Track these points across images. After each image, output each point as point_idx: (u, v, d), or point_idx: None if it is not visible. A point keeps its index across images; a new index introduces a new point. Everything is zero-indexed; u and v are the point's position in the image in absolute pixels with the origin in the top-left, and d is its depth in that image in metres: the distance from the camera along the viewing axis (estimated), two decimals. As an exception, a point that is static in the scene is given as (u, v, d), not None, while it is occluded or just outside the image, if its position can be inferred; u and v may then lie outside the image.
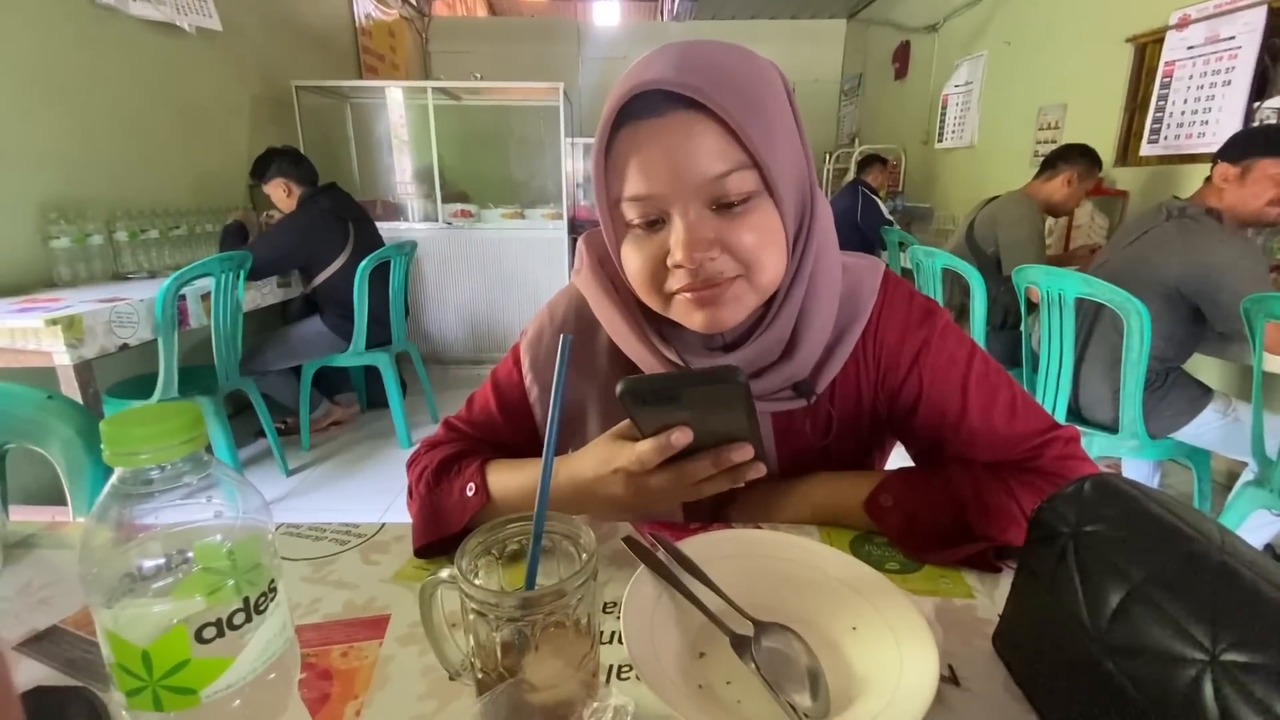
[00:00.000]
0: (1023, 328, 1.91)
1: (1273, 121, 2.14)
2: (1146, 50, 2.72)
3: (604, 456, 0.51)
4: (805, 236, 0.54)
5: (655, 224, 0.51)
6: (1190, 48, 2.43)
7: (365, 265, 2.42)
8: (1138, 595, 0.32)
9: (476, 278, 3.58)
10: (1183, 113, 2.47)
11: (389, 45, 4.78)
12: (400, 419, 2.65)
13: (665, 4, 5.96)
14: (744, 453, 0.46)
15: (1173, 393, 1.60)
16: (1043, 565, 0.39)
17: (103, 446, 0.27)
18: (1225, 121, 2.29)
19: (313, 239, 2.47)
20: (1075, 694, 0.36)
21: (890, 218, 3.59)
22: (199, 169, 2.82)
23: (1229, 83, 2.29)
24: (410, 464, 0.66)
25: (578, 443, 0.68)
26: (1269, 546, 1.63)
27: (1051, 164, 2.29)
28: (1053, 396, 1.70)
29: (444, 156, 3.59)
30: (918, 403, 0.62)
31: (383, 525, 0.62)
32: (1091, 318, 1.67)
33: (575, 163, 4.28)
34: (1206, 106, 2.37)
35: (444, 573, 0.37)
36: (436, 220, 3.56)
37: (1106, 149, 2.82)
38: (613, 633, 0.46)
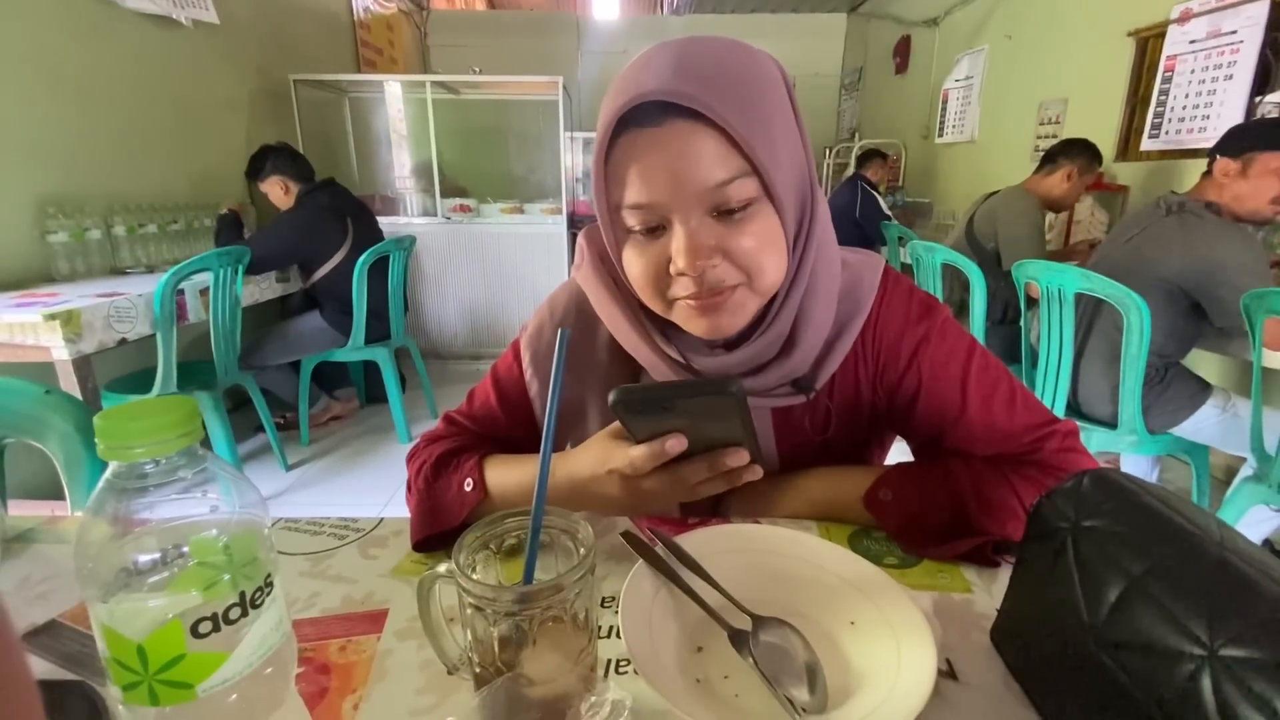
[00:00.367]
0: (1022, 323, 1.90)
1: (1274, 115, 2.13)
2: (1148, 44, 2.71)
3: (599, 456, 0.51)
4: (805, 236, 0.54)
5: (656, 230, 0.51)
6: (1192, 42, 2.42)
7: (364, 260, 2.41)
8: (1136, 590, 0.32)
9: (476, 273, 3.57)
10: (1184, 107, 2.46)
11: (387, 39, 4.76)
12: (399, 414, 2.65)
13: (665, -3, 5.94)
14: (739, 458, 0.46)
15: (1172, 388, 1.60)
16: (1041, 560, 0.39)
17: (97, 441, 0.27)
18: (1227, 116, 2.28)
19: (312, 235, 2.46)
20: (1073, 688, 0.36)
21: (890, 213, 3.58)
22: (197, 163, 2.81)
23: (1230, 77, 2.28)
24: (410, 458, 0.66)
25: (577, 438, 0.68)
26: (1267, 541, 1.63)
27: (1052, 159, 2.28)
28: (1052, 392, 1.70)
29: (443, 151, 3.58)
30: (917, 397, 0.61)
31: (381, 520, 0.62)
32: (1091, 313, 1.66)
33: (574, 157, 4.27)
34: (1208, 101, 2.37)
35: (442, 567, 0.37)
36: (435, 215, 3.55)
37: (1107, 144, 2.81)
38: (611, 627, 0.46)
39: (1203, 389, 1.60)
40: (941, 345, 0.61)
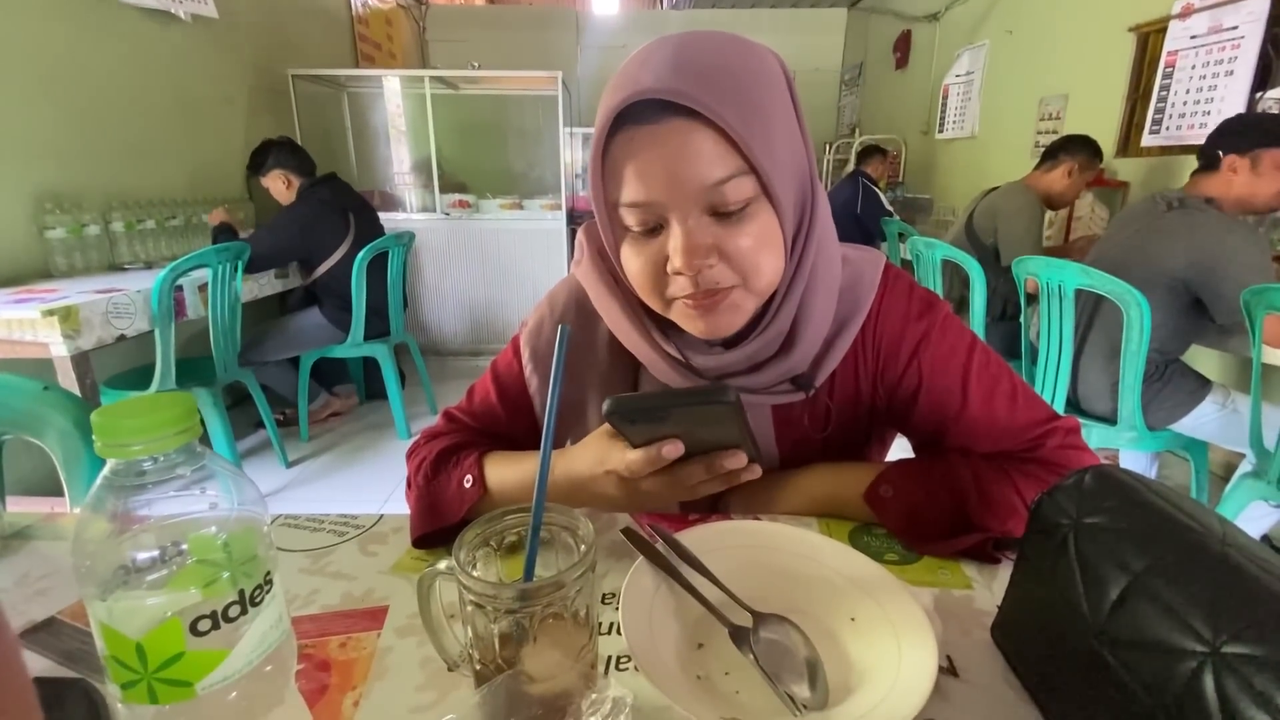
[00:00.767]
0: (1022, 319, 1.90)
1: (1275, 111, 2.13)
2: (1149, 40, 2.70)
3: (597, 456, 0.51)
4: (805, 234, 0.54)
5: (653, 229, 0.51)
6: (1193, 37, 2.42)
7: (363, 256, 2.41)
8: (1138, 587, 0.32)
9: (475, 269, 3.57)
10: (1185, 103, 2.46)
11: (386, 34, 4.74)
12: (399, 410, 2.65)
13: (665, -8, 5.91)
14: (737, 460, 0.46)
15: (1171, 384, 1.60)
16: (1042, 556, 0.39)
17: (94, 438, 0.26)
18: (1228, 112, 2.28)
19: (314, 230, 2.45)
20: (1074, 685, 0.36)
21: (890, 209, 3.58)
22: (195, 159, 2.80)
23: (1232, 73, 2.27)
24: (410, 454, 0.66)
25: (577, 434, 0.68)
26: (1266, 537, 1.64)
27: (1052, 155, 2.28)
28: (1051, 388, 1.70)
29: (442, 146, 3.57)
30: (917, 394, 0.61)
31: (381, 516, 0.62)
32: (1091, 309, 1.66)
33: (574, 153, 4.25)
34: (1209, 97, 2.36)
35: (442, 564, 0.37)
36: (434, 211, 3.54)
37: (1108, 139, 2.80)
38: (611, 624, 0.46)
39: (1202, 385, 1.60)
40: (942, 342, 0.60)
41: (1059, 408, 1.69)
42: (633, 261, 0.53)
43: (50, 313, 1.56)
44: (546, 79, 3.53)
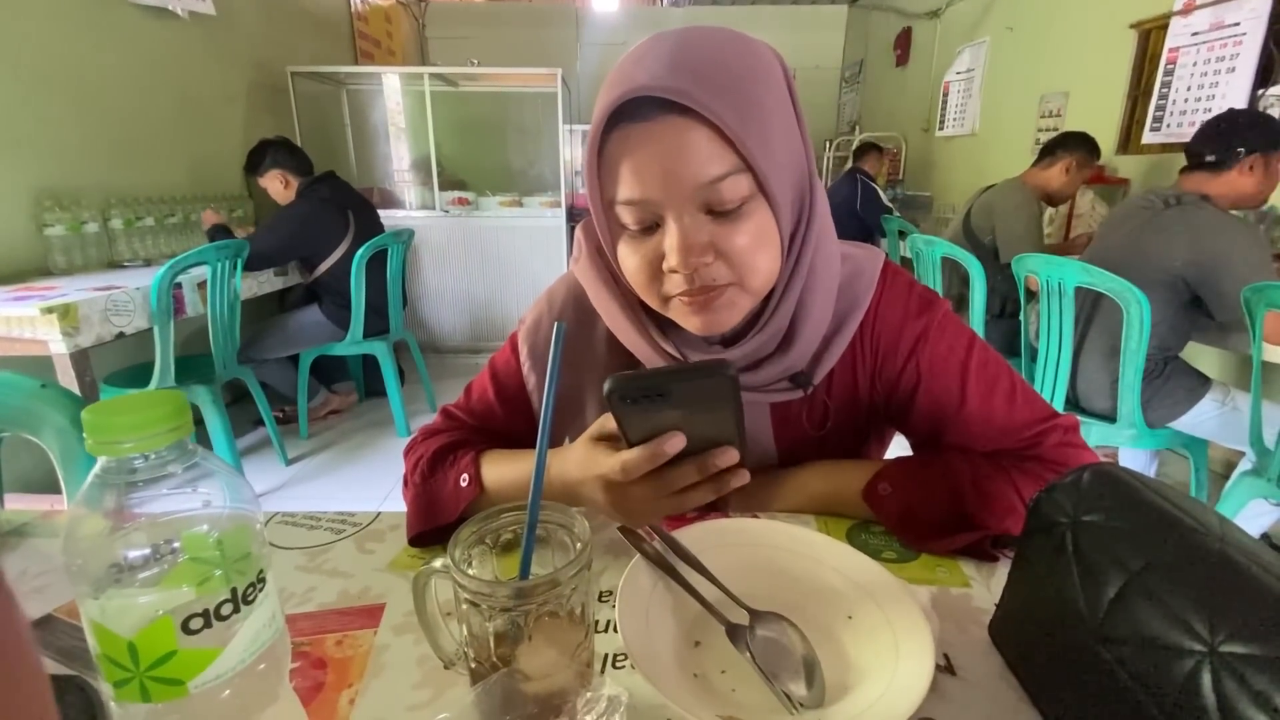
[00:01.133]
0: (1021, 317, 1.90)
1: (1273, 109, 2.12)
2: (1150, 36, 2.70)
3: (583, 461, 0.49)
4: (803, 232, 0.53)
5: (650, 227, 0.50)
6: (1195, 34, 2.41)
7: (362, 254, 2.41)
8: (1136, 585, 0.32)
9: (474, 266, 3.57)
10: (1186, 100, 2.45)
11: (385, 30, 4.73)
12: (398, 408, 2.65)
13: (665, -11, 5.89)
14: (729, 457, 0.44)
15: (1171, 382, 1.60)
16: (1040, 554, 0.39)
17: (85, 436, 0.26)
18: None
19: (315, 228, 2.45)
20: (1071, 684, 0.35)
21: (889, 205, 3.57)
22: (194, 156, 2.80)
23: (1233, 70, 2.27)
24: (407, 452, 0.66)
25: (575, 431, 0.68)
26: (1265, 536, 1.64)
27: (1050, 151, 2.28)
28: (1051, 386, 1.70)
29: (441, 144, 3.57)
30: (916, 392, 0.61)
31: (378, 514, 0.62)
32: (1090, 307, 1.66)
33: (574, 150, 4.25)
34: (1210, 94, 2.35)
35: (437, 562, 0.37)
36: (434, 208, 3.54)
37: (1108, 137, 2.80)
38: (608, 622, 0.46)
39: (1202, 383, 1.60)
40: (941, 340, 0.60)
41: (1058, 405, 1.69)
42: (629, 259, 0.53)
43: (49, 310, 1.56)
44: (546, 76, 3.53)
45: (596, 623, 0.46)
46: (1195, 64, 2.41)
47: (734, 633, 0.42)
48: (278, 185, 2.51)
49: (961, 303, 2.13)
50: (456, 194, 3.59)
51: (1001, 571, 0.52)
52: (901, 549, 0.56)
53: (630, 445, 0.45)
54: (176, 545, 0.28)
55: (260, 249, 2.27)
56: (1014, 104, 3.52)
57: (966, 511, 0.55)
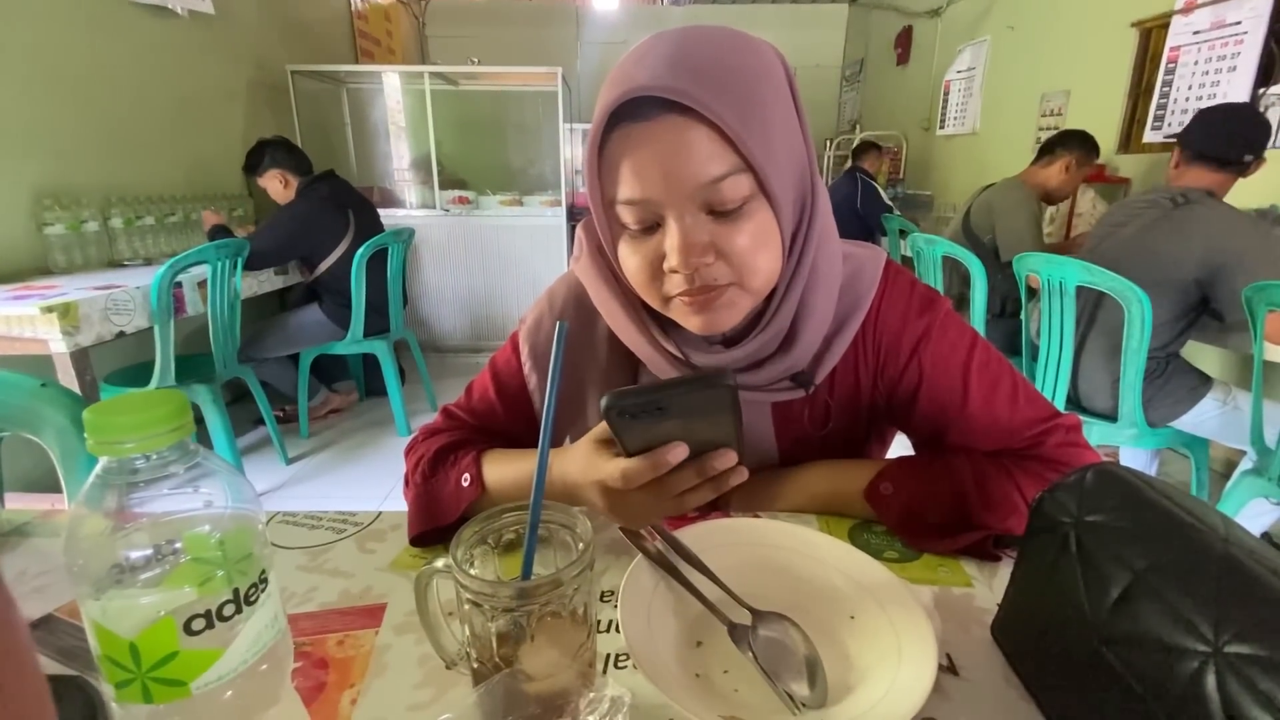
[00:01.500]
0: (1023, 316, 1.90)
1: (1274, 107, 2.12)
2: (1151, 35, 2.69)
3: (583, 466, 0.49)
4: (805, 232, 0.53)
5: (651, 227, 0.50)
6: (1196, 33, 2.41)
7: (362, 253, 2.40)
8: (1140, 585, 0.32)
9: (475, 265, 3.56)
10: (1187, 99, 2.45)
11: (385, 29, 4.72)
12: (399, 407, 2.65)
13: (665, -13, 5.87)
14: (727, 460, 0.44)
15: (1172, 381, 1.60)
16: (1043, 554, 0.39)
17: (86, 436, 0.26)
18: (1230, 108, 2.27)
19: (315, 227, 2.45)
20: (1074, 684, 0.35)
21: (891, 204, 3.57)
22: (194, 155, 2.80)
23: (1234, 69, 2.26)
24: (408, 451, 0.66)
25: (577, 431, 0.68)
26: (1267, 535, 1.64)
27: (1049, 149, 2.27)
28: (1052, 385, 1.70)
29: (441, 143, 3.56)
30: (918, 392, 0.61)
31: (379, 514, 0.62)
32: (1092, 306, 1.66)
33: (574, 149, 4.24)
34: (1211, 93, 2.35)
35: (439, 562, 0.37)
36: (434, 207, 3.54)
37: (1109, 136, 2.80)
38: (610, 622, 0.46)
39: (1203, 382, 1.60)
40: (943, 339, 0.60)
41: (1060, 405, 1.69)
42: (630, 259, 0.52)
43: (49, 309, 1.55)
44: (546, 75, 3.52)
45: (598, 623, 0.46)
46: (1196, 63, 2.41)
47: (736, 633, 0.42)
48: (277, 185, 2.51)
49: (962, 302, 2.13)
50: (457, 193, 3.58)
51: (1004, 571, 0.52)
52: (903, 549, 0.56)
53: (630, 456, 0.44)
54: (178, 545, 0.28)
55: (260, 248, 2.27)
56: (1015, 103, 3.51)
57: (969, 511, 0.55)
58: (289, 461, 2.43)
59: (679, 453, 0.43)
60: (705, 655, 0.42)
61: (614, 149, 0.48)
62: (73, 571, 0.27)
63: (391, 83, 3.87)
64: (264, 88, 3.25)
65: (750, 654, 0.40)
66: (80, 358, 1.65)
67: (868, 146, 3.76)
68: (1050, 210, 2.81)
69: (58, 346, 1.59)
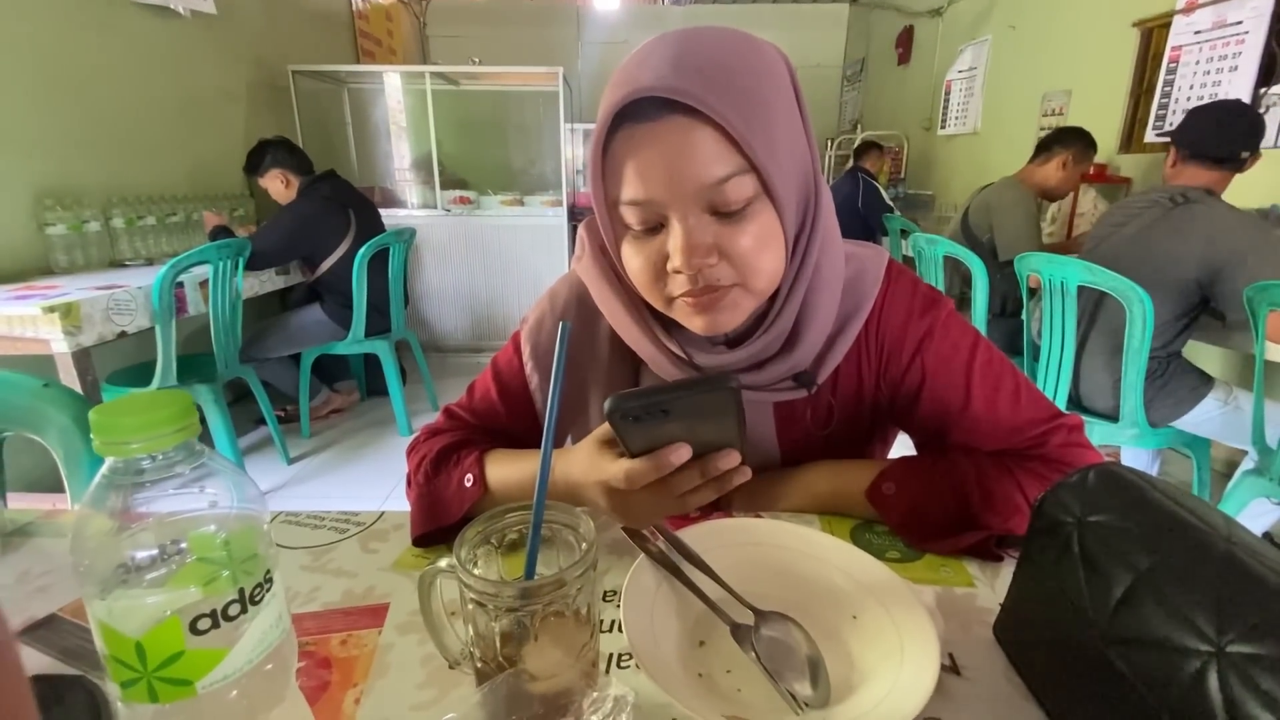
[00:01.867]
0: (1024, 315, 1.90)
1: (1275, 107, 2.12)
2: (1153, 35, 2.69)
3: (587, 466, 0.49)
4: (808, 233, 0.53)
5: (654, 228, 0.50)
6: (1197, 33, 2.41)
7: (364, 253, 2.41)
8: (1143, 585, 0.32)
9: (476, 265, 3.56)
10: (1189, 99, 2.44)
11: (386, 29, 4.73)
12: (400, 407, 2.65)
13: (666, -13, 5.87)
14: (731, 460, 0.44)
15: (1173, 381, 1.60)
16: (1046, 554, 0.39)
17: (92, 436, 0.26)
18: (1232, 108, 2.27)
19: (316, 226, 2.45)
20: (1077, 684, 0.35)
21: (892, 204, 3.57)
22: (196, 155, 2.80)
23: (1236, 68, 2.26)
24: (410, 451, 0.66)
25: (578, 431, 0.68)
26: (1268, 534, 1.63)
27: (1046, 147, 2.27)
28: (1054, 385, 1.70)
29: (442, 143, 3.56)
30: (920, 392, 0.61)
31: (382, 514, 0.62)
32: (1093, 306, 1.66)
33: (575, 149, 4.24)
34: (1213, 93, 2.35)
35: (443, 562, 0.37)
36: (435, 207, 3.54)
37: (1111, 135, 2.79)
38: (613, 622, 0.46)
39: (1204, 382, 1.60)
40: (945, 339, 0.60)
41: (1061, 405, 1.69)
42: (633, 260, 0.52)
43: (51, 309, 1.56)
44: (547, 75, 3.52)
45: (601, 623, 0.46)
46: (1198, 63, 2.40)
47: (739, 632, 0.42)
48: (278, 185, 2.51)
49: (963, 302, 2.13)
50: (458, 193, 3.58)
51: (1006, 571, 0.52)
52: (905, 549, 0.56)
53: (633, 457, 0.44)
54: (184, 545, 0.28)
55: (262, 248, 2.27)
56: (1016, 102, 3.51)
57: (971, 511, 0.55)
58: (290, 461, 2.43)
59: (682, 454, 0.43)
60: (708, 655, 0.43)
61: (618, 150, 0.48)
62: (79, 571, 0.27)
63: (392, 83, 3.88)
64: (265, 87, 3.25)
65: (753, 654, 0.40)
66: (82, 358, 1.65)
67: (869, 146, 3.76)
68: (1052, 210, 2.81)
69: (59, 346, 1.59)
